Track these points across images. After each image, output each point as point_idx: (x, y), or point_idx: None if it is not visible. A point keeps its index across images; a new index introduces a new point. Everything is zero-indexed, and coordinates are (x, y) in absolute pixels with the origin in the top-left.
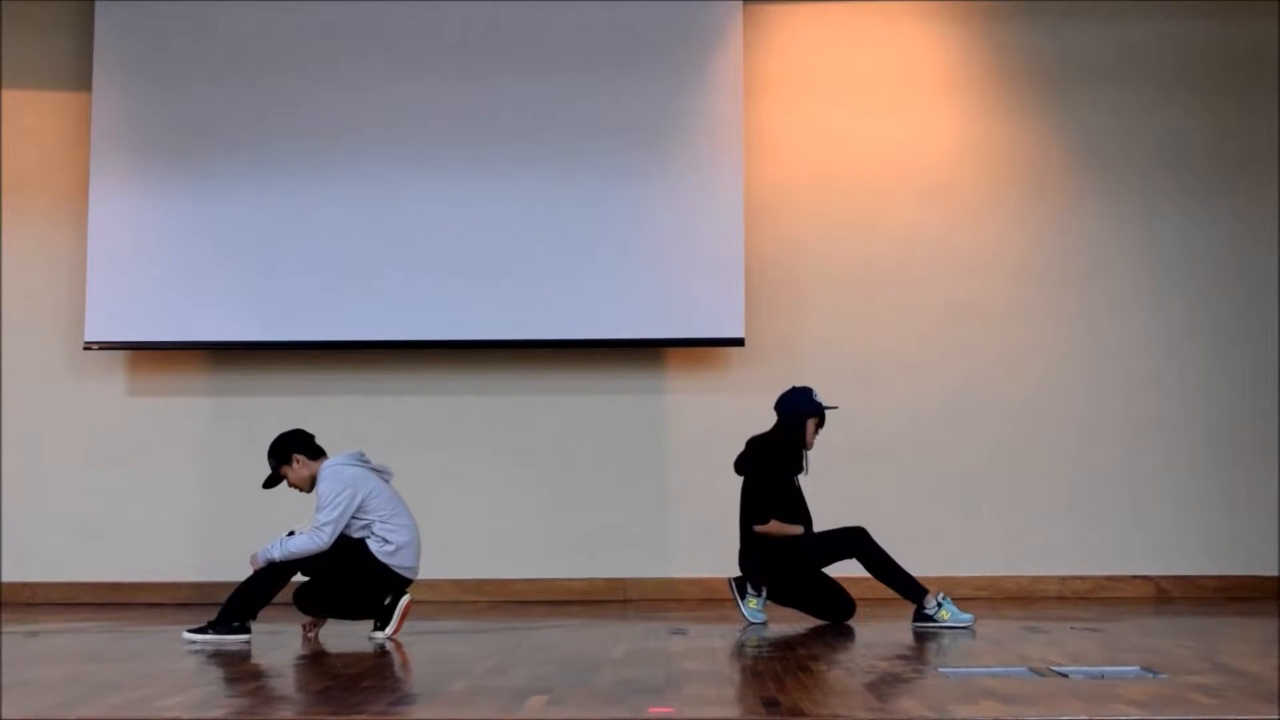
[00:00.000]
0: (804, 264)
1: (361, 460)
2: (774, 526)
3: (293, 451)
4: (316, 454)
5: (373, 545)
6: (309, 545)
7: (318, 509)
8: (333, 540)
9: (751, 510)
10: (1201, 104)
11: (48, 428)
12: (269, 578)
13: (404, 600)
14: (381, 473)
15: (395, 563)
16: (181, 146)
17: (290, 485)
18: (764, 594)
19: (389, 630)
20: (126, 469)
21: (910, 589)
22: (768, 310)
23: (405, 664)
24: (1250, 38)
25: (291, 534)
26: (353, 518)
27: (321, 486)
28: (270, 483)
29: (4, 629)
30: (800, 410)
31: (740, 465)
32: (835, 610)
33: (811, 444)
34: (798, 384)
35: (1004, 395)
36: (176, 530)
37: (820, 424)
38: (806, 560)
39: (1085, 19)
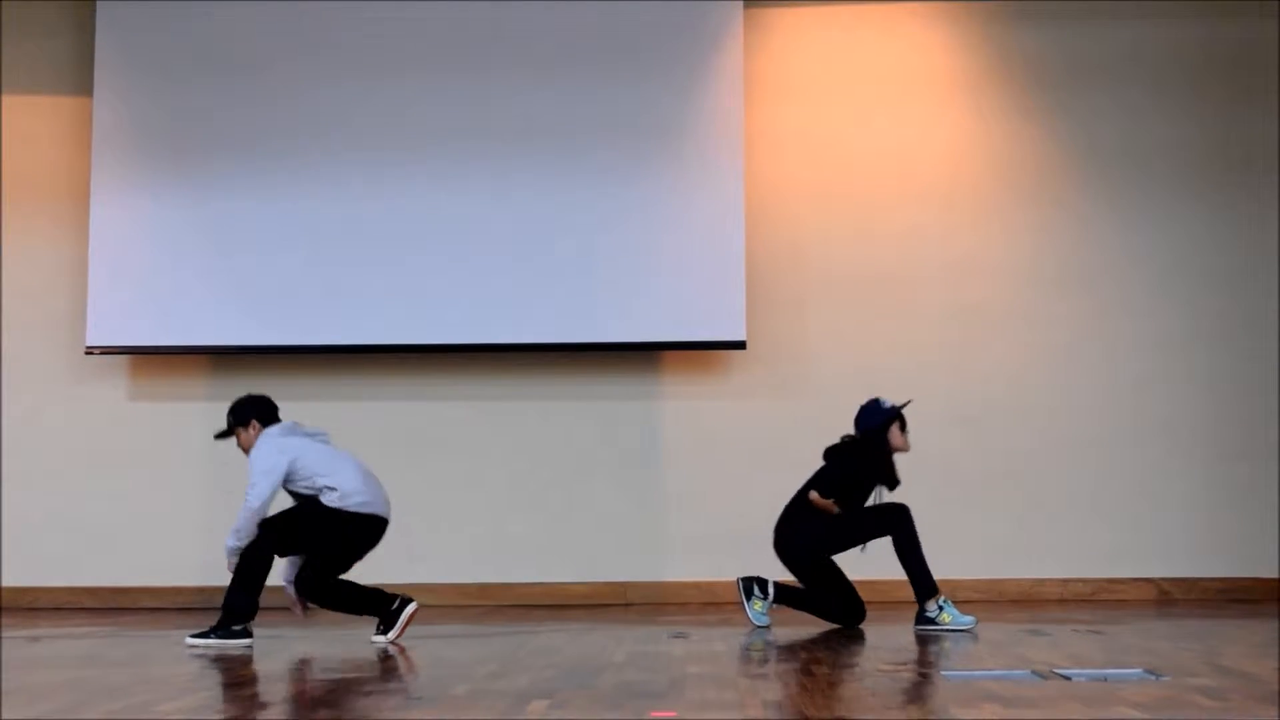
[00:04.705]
0: (805, 266)
1: (292, 430)
2: (826, 503)
3: (252, 416)
4: (272, 424)
5: (325, 499)
6: (242, 515)
7: (249, 477)
8: (262, 504)
9: (818, 481)
10: (1204, 105)
11: (49, 432)
12: (250, 570)
13: (410, 607)
14: (314, 436)
15: (351, 505)
16: (183, 150)
17: (239, 446)
18: (770, 596)
19: (391, 635)
20: (128, 473)
21: (923, 584)
22: (769, 313)
23: (406, 668)
24: (1252, 39)
25: None
26: (297, 482)
27: (250, 456)
28: (222, 435)
29: (5, 633)
30: (881, 422)
31: (830, 453)
32: (851, 610)
33: (907, 447)
34: (805, 395)
35: (1005, 398)
36: (178, 534)
37: (903, 424)
38: (841, 535)
39: (1087, 20)
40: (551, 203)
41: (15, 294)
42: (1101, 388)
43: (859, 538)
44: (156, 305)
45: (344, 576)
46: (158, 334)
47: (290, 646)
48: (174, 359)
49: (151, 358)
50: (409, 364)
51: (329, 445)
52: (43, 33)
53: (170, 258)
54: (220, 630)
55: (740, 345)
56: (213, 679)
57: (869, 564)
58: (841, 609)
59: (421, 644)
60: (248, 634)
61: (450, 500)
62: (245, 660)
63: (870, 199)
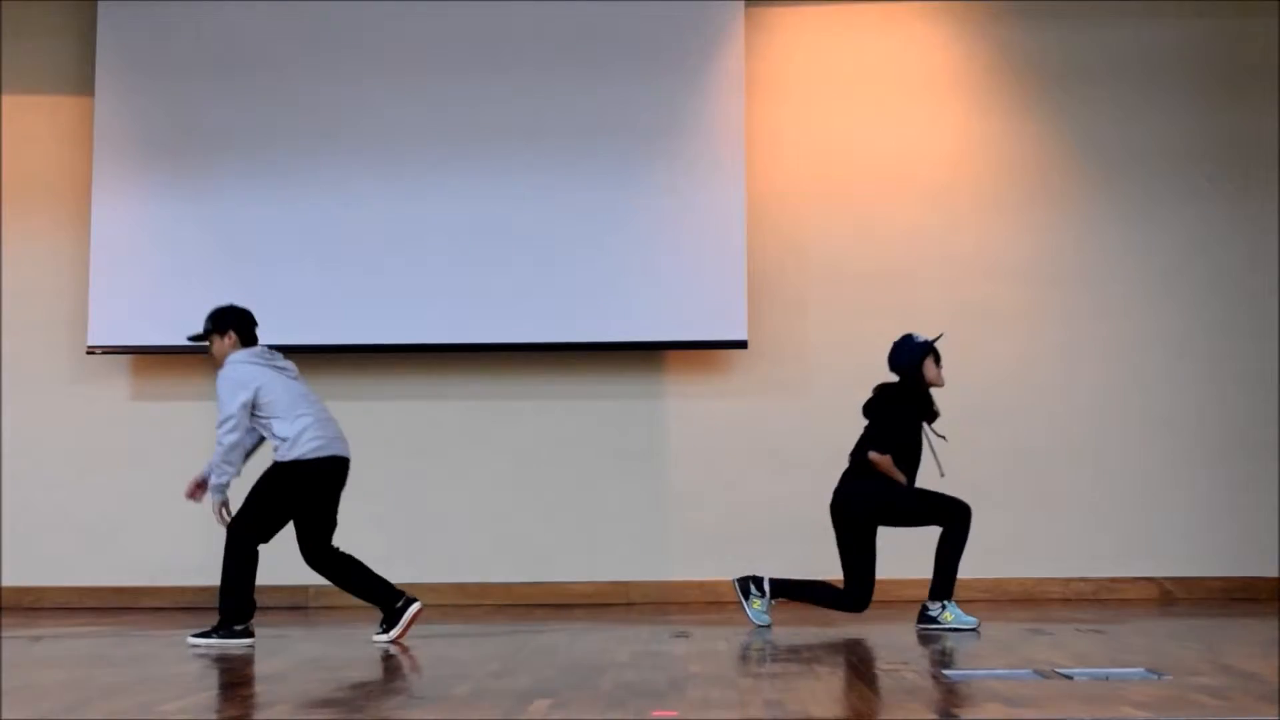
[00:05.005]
0: (807, 265)
1: (262, 358)
2: (888, 461)
3: (231, 327)
4: (249, 341)
5: (277, 454)
6: (219, 452)
7: (218, 404)
8: (237, 436)
9: (873, 439)
10: (1206, 102)
11: (51, 432)
12: (236, 571)
13: (414, 607)
14: (284, 371)
15: (306, 452)
16: (184, 149)
17: (210, 354)
18: (767, 594)
19: (393, 634)
20: (130, 473)
21: (944, 585)
22: (770, 312)
23: (408, 667)
24: (1253, 37)
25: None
26: (255, 417)
27: (219, 385)
28: (196, 338)
29: (6, 633)
30: (915, 356)
31: (868, 407)
32: (860, 593)
33: (941, 381)
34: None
35: (1007, 397)
36: (180, 534)
37: (937, 358)
38: (903, 507)
39: (1088, 19)
40: (552, 202)
41: (16, 294)
42: (1104, 386)
43: (917, 517)
44: (158, 305)
45: (358, 560)
46: (159, 334)
47: (292, 646)
48: (176, 359)
49: (153, 357)
50: (410, 363)
51: (297, 382)
52: (44, 32)
53: (172, 257)
54: (222, 630)
55: (742, 345)
56: (214, 679)
57: (877, 566)
58: (849, 593)
59: (423, 643)
60: (249, 633)
61: (452, 500)
62: (247, 660)
63: (871, 198)
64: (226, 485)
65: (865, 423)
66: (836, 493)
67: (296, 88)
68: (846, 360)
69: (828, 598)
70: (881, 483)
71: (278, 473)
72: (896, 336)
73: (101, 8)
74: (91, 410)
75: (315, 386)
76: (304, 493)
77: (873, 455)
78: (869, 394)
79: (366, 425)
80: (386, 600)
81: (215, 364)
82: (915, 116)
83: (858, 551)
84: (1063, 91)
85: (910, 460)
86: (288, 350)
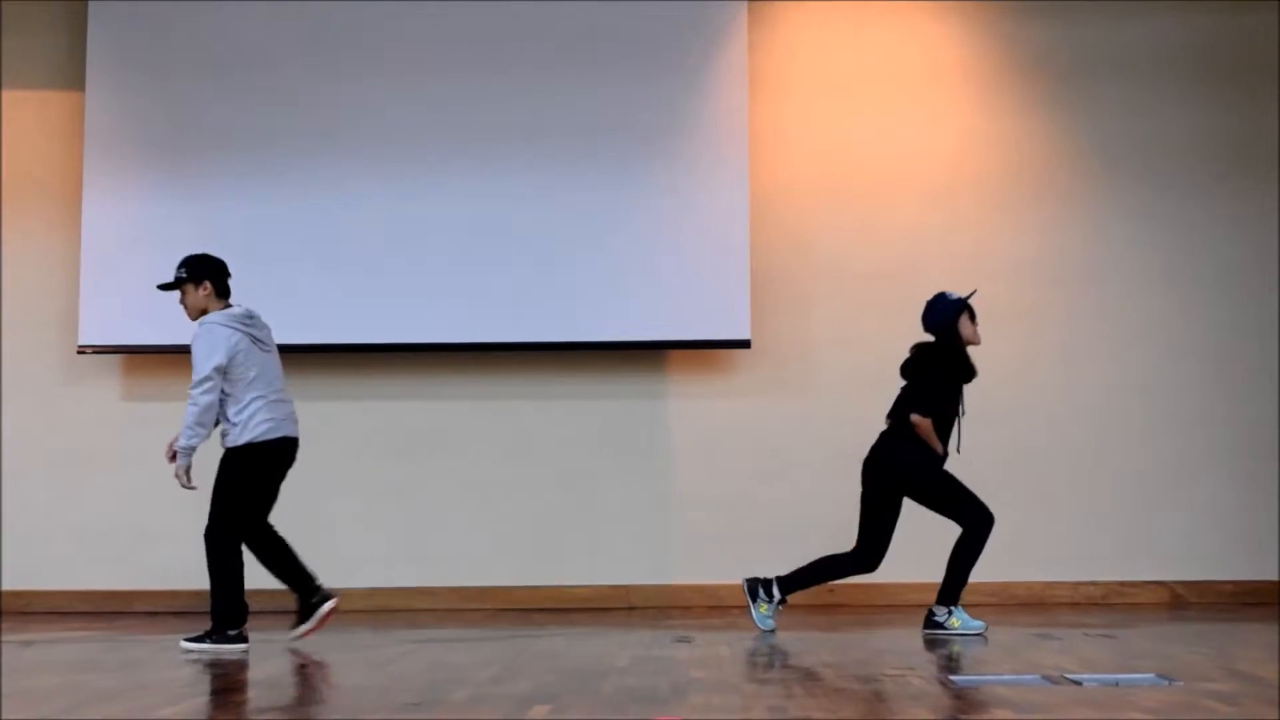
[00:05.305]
0: (810, 264)
1: (241, 323)
2: (928, 425)
3: (207, 277)
4: (223, 294)
5: (226, 442)
6: (193, 412)
7: (192, 370)
8: (212, 397)
9: (912, 400)
10: (1215, 100)
11: (41, 432)
12: (223, 574)
13: (329, 604)
14: (260, 341)
15: (252, 438)
16: (177, 146)
17: (182, 302)
18: (775, 598)
19: (302, 629)
20: (122, 474)
21: (952, 590)
22: (774, 311)
23: (406, 672)
24: (1263, 32)
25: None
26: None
27: (194, 346)
28: (167, 286)
29: None
30: (949, 314)
31: (906, 367)
32: (872, 556)
33: (978, 338)
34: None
35: (1015, 397)
36: (173, 537)
37: (972, 315)
38: (933, 489)
39: (1095, 14)
40: (553, 201)
41: (6, 291)
42: (1112, 386)
43: (942, 504)
44: (150, 303)
45: (289, 545)
46: (151, 333)
47: (286, 651)
48: (168, 358)
49: (145, 357)
50: (407, 363)
51: (268, 355)
52: (35, 27)
53: (163, 255)
54: (215, 635)
55: (745, 344)
56: (207, 684)
57: (879, 568)
58: (860, 553)
59: (421, 648)
60: (243, 639)
61: (451, 501)
62: (240, 665)
63: (876, 196)
64: (194, 449)
65: (837, 426)
66: (873, 452)
67: (292, 85)
68: (850, 360)
69: (838, 569)
70: (921, 452)
71: (231, 460)
72: (901, 336)
73: (92, 4)
74: (82, 411)
75: (312, 387)
76: (258, 474)
77: (915, 416)
78: (872, 393)
79: (364, 425)
80: (304, 591)
81: (187, 314)
82: (920, 113)
83: (879, 513)
84: (1070, 87)
85: (946, 425)
86: (283, 350)
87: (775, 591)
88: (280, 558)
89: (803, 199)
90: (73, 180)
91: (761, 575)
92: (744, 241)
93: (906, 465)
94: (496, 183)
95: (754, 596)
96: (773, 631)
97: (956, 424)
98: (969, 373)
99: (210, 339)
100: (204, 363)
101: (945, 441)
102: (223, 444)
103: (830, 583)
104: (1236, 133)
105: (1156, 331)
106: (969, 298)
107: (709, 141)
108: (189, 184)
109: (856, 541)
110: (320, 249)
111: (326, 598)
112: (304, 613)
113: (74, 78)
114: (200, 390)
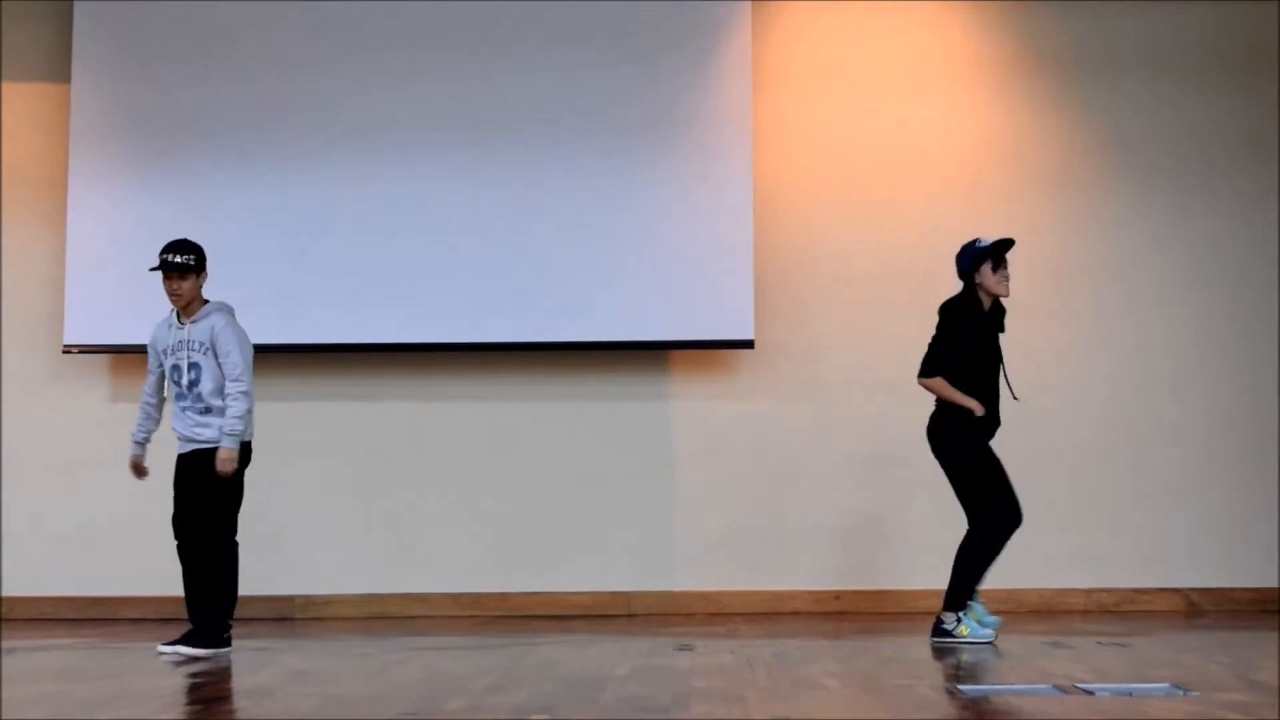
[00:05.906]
0: (816, 262)
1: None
2: (939, 384)
3: (205, 268)
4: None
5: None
6: (247, 401)
7: (229, 364)
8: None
9: (930, 357)
10: (1236, 92)
11: (25, 434)
12: (228, 569)
13: (185, 648)
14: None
15: (250, 436)
16: (164, 141)
17: (174, 289)
18: (965, 611)
19: (172, 647)
20: (108, 477)
21: (959, 595)
22: (778, 311)
23: (400, 682)
24: None
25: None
26: None
27: (224, 334)
28: (170, 268)
29: None
30: (969, 262)
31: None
32: (1007, 503)
33: (1004, 290)
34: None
35: (1027, 398)
36: (160, 542)
37: (996, 264)
38: (963, 463)
39: (1108, 5)
40: (555, 198)
41: None
42: (1129, 386)
43: (962, 492)
44: (137, 302)
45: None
46: (138, 331)
47: (276, 659)
48: None
49: (132, 356)
50: (404, 363)
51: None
52: (20, 19)
53: (151, 252)
54: (216, 640)
55: (748, 345)
56: (199, 693)
57: (886, 574)
58: (992, 523)
59: (416, 656)
60: (227, 643)
61: (448, 505)
62: (229, 674)
63: (882, 192)
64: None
65: (849, 427)
66: (926, 430)
67: (281, 78)
68: (857, 360)
69: (983, 556)
70: (959, 429)
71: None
72: (909, 336)
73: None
74: (68, 412)
75: (303, 387)
76: (242, 474)
77: (920, 382)
78: (880, 394)
79: (360, 427)
80: (195, 618)
81: (181, 304)
82: (928, 107)
83: (958, 481)
84: (1083, 81)
85: (979, 378)
86: (272, 350)
87: (959, 609)
88: (223, 576)
89: (808, 197)
90: (58, 175)
91: (937, 618)
92: (748, 239)
93: (940, 442)
94: (496, 181)
95: (955, 626)
96: (996, 627)
97: (1002, 374)
98: (983, 323)
99: (241, 331)
100: (247, 352)
101: (987, 399)
102: (196, 443)
103: (990, 564)
104: (1264, 125)
105: (1176, 330)
106: (1001, 245)
107: (713, 139)
108: (176, 180)
109: (974, 519)
110: (315, 246)
111: (189, 639)
112: (192, 636)
113: (60, 70)
114: (249, 381)
